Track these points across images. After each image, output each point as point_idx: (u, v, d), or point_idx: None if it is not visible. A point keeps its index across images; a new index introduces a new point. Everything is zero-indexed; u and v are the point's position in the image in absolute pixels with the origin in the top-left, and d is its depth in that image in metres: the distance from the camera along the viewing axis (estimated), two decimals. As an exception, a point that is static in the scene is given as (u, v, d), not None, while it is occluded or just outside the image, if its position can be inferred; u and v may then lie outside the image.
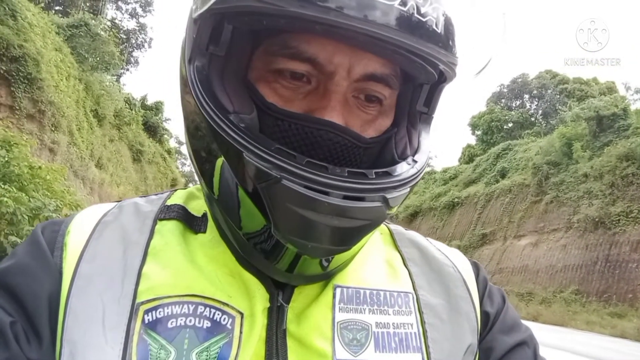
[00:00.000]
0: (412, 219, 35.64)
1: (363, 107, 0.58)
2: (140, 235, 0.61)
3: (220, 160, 0.54)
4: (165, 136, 32.35)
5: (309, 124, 0.54)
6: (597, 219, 19.67)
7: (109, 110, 18.52)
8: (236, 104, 0.54)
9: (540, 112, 40.46)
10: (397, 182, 0.54)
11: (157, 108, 29.60)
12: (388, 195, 0.52)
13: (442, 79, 0.60)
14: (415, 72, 0.56)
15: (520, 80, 42.04)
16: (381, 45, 0.50)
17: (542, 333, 13.14)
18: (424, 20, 0.49)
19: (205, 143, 0.56)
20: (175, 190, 0.73)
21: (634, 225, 18.31)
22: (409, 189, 0.55)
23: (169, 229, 0.63)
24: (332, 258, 0.57)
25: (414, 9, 0.48)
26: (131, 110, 23.05)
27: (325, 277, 0.61)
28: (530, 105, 41.74)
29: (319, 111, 0.54)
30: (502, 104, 42.54)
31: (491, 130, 39.56)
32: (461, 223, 29.82)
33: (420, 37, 0.49)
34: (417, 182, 0.58)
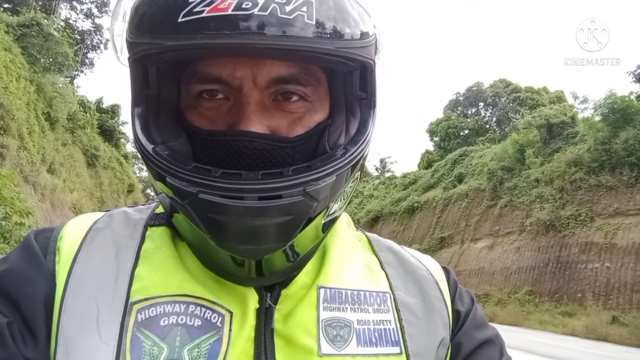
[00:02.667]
0: (373, 223, 36.06)
1: (286, 108, 0.59)
2: (131, 240, 0.64)
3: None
4: (122, 140, 31.46)
5: (227, 138, 0.57)
6: (548, 222, 20.55)
7: (62, 113, 17.85)
8: (165, 134, 0.59)
9: (494, 119, 41.92)
10: (318, 173, 0.55)
11: (113, 111, 28.74)
12: (308, 189, 0.53)
13: (365, 63, 0.60)
14: (326, 64, 0.58)
15: (475, 88, 43.46)
16: (274, 52, 0.52)
17: (498, 333, 13.53)
18: (291, 17, 0.50)
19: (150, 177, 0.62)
20: None
21: (582, 228, 19.23)
22: (334, 178, 0.56)
23: (159, 234, 0.65)
24: (292, 251, 0.59)
25: (276, 10, 0.50)
26: (86, 113, 22.29)
27: (297, 267, 0.64)
28: (485, 113, 43.18)
29: (237, 124, 0.57)
30: (458, 112, 43.83)
31: (448, 136, 40.67)
32: (421, 227, 30.44)
33: (294, 34, 0.51)
34: (345, 169, 0.58)
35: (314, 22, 0.52)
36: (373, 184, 43.09)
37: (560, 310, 17.73)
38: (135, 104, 0.61)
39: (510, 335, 13.33)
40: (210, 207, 0.51)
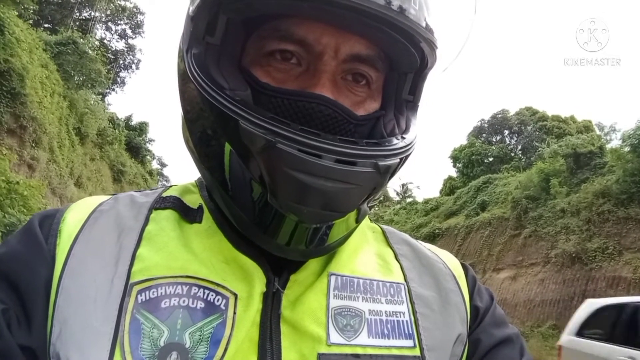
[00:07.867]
0: (392, 249, 35.44)
1: (352, 88, 0.61)
2: (135, 222, 0.62)
3: (219, 138, 0.56)
4: (148, 157, 32.13)
5: (301, 99, 0.56)
6: (574, 255, 19.93)
7: (92, 129, 18.37)
8: (231, 83, 0.57)
9: (519, 147, 41.36)
10: (388, 151, 0.56)
11: (141, 129, 29.48)
12: (379, 162, 0.54)
13: (424, 65, 0.63)
14: (399, 53, 0.60)
15: (500, 115, 43.06)
16: (365, 25, 0.53)
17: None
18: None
19: (203, 125, 0.58)
20: (170, 185, 0.74)
21: (610, 262, 18.60)
22: (398, 160, 0.58)
23: (165, 216, 0.64)
24: (328, 232, 0.58)
25: None
26: (115, 129, 22.89)
27: (322, 252, 0.62)
28: (510, 141, 42.67)
29: (310, 88, 0.57)
30: (482, 139, 43.39)
31: (472, 163, 40.18)
32: (441, 254, 29.80)
33: (400, 13, 0.53)
34: (406, 156, 0.60)
35: (417, 7, 0.55)
36: (394, 209, 42.73)
37: (585, 346, 17.05)
38: (191, 47, 0.59)
39: (532, 370, 12.84)
40: (285, 160, 0.50)
